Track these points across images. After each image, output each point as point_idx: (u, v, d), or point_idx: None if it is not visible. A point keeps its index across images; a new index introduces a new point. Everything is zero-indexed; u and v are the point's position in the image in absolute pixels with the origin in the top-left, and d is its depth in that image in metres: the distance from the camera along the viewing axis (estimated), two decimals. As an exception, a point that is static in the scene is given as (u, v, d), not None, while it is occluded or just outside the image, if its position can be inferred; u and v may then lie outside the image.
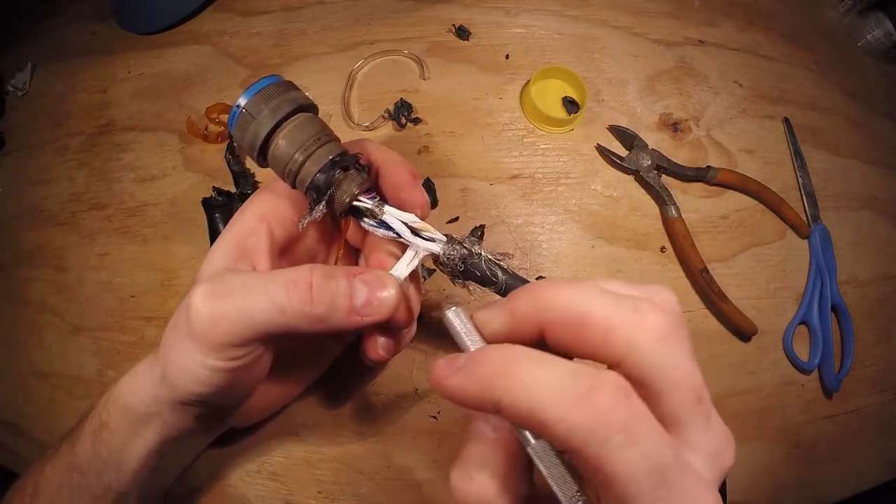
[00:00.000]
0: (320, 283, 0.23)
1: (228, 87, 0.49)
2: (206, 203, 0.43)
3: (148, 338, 0.42)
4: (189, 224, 0.44)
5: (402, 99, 0.46)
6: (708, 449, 0.17)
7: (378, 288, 0.24)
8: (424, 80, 0.48)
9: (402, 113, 0.46)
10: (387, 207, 0.26)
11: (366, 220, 0.26)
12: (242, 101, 0.24)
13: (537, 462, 0.17)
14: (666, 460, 0.15)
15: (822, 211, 0.46)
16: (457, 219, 0.43)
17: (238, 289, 0.23)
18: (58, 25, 0.57)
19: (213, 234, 0.43)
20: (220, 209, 0.43)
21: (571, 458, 0.17)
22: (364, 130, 0.46)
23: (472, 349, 0.19)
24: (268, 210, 0.27)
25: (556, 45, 0.50)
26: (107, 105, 0.51)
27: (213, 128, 0.47)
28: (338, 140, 0.26)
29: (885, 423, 0.43)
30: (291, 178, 0.25)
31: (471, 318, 0.20)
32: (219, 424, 0.33)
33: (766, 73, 0.52)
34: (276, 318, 0.23)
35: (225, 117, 0.47)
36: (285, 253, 0.29)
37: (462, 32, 0.49)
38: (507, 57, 0.49)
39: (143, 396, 0.27)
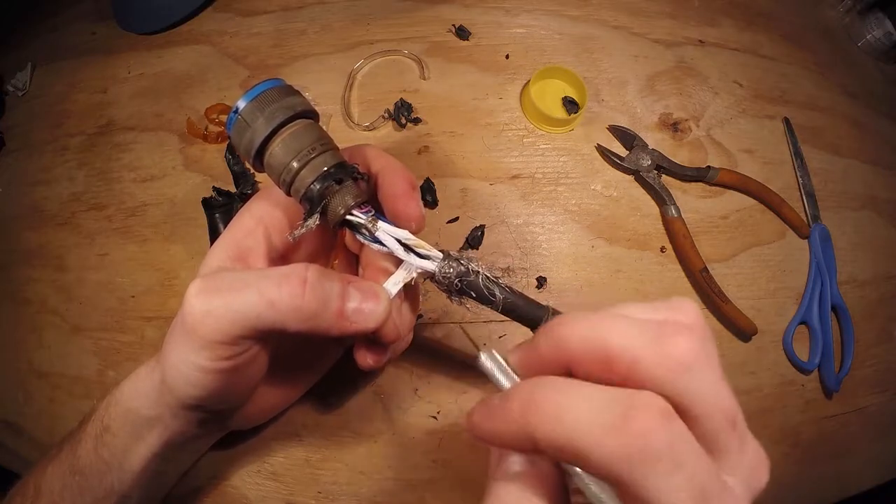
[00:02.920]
0: (314, 280, 0.23)
1: (228, 87, 0.49)
2: (206, 203, 0.43)
3: (148, 338, 0.42)
4: (189, 224, 0.44)
5: (402, 99, 0.46)
6: (743, 470, 0.16)
7: (370, 298, 0.24)
8: (424, 80, 0.48)
9: (402, 113, 0.46)
10: (381, 223, 0.25)
11: (360, 233, 0.25)
12: (240, 106, 0.24)
13: (587, 489, 0.16)
14: (710, 485, 0.14)
15: (822, 211, 0.46)
16: (457, 219, 0.43)
17: (229, 284, 0.23)
18: (58, 25, 0.57)
19: (213, 234, 0.43)
20: (220, 209, 0.43)
21: (613, 487, 0.16)
22: (364, 130, 0.46)
23: (509, 387, 0.19)
24: (265, 214, 0.27)
25: (556, 45, 0.50)
26: (107, 105, 0.51)
27: (213, 128, 0.47)
28: (336, 148, 0.25)
29: (885, 423, 0.43)
30: (286, 186, 0.24)
31: (504, 357, 0.19)
32: (220, 427, 0.33)
33: (766, 73, 0.52)
34: (264, 312, 0.22)
35: (225, 117, 0.47)
36: (283, 259, 0.29)
37: (462, 32, 0.49)
38: (507, 57, 0.49)
39: (144, 400, 0.27)
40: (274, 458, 0.37)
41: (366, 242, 0.26)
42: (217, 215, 0.43)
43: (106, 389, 0.41)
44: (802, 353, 0.42)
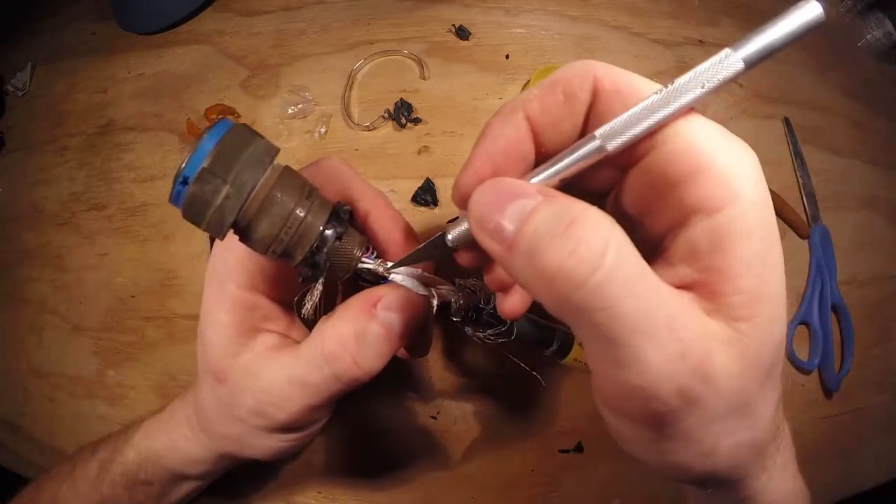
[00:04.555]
0: (357, 350, 0.22)
1: (228, 88, 0.49)
2: (206, 203, 0.43)
3: (148, 338, 0.42)
4: (189, 224, 0.44)
5: (402, 99, 0.46)
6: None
7: (407, 309, 0.23)
8: (424, 80, 0.48)
9: (402, 113, 0.46)
10: (391, 265, 0.23)
11: (366, 280, 0.23)
12: (189, 176, 0.17)
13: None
14: None
15: (822, 211, 0.46)
16: (457, 219, 0.43)
17: (289, 393, 0.23)
18: (58, 25, 0.57)
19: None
20: (220, 209, 0.43)
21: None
22: (364, 130, 0.46)
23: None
24: (254, 282, 0.24)
25: (556, 45, 0.50)
26: (107, 105, 0.51)
27: (213, 128, 0.47)
28: (318, 191, 0.21)
29: (885, 423, 0.43)
30: (275, 256, 0.20)
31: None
32: None
33: (766, 73, 0.52)
34: (336, 393, 0.23)
35: (225, 118, 0.47)
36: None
37: (462, 32, 0.49)
38: (507, 57, 0.49)
39: (196, 466, 0.28)
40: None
41: (369, 287, 0.24)
42: (217, 215, 0.43)
43: (107, 389, 0.41)
44: (802, 353, 0.42)
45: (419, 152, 0.45)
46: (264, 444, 0.25)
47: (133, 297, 0.43)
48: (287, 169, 0.21)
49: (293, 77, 0.49)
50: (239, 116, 0.48)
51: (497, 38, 0.50)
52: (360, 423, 0.38)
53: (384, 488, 0.37)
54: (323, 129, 0.46)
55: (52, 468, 0.31)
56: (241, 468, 0.37)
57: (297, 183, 0.20)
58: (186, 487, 0.30)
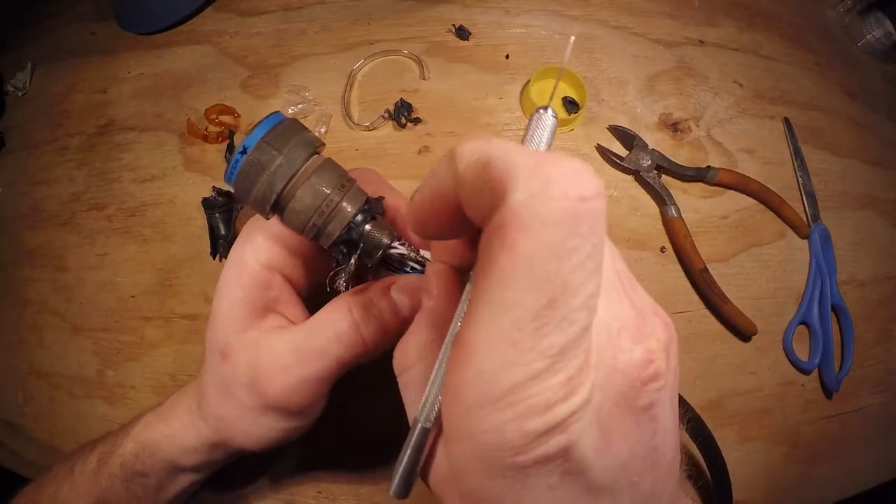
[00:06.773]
0: (364, 319, 0.23)
1: (228, 88, 0.49)
2: (206, 203, 0.43)
3: (148, 338, 0.42)
4: (189, 224, 0.44)
5: (402, 99, 0.46)
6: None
7: (419, 292, 0.23)
8: (424, 80, 0.48)
9: (402, 113, 0.46)
10: (423, 252, 0.24)
11: (394, 267, 0.24)
12: (248, 145, 0.20)
13: None
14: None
15: (822, 211, 0.46)
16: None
17: (299, 358, 0.23)
18: (58, 25, 0.57)
19: (213, 234, 0.43)
20: (220, 209, 0.43)
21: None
22: (364, 130, 0.46)
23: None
24: (276, 258, 0.25)
25: (556, 45, 0.50)
26: (107, 105, 0.51)
27: (213, 128, 0.47)
28: (354, 181, 0.23)
29: (885, 423, 0.43)
30: (312, 232, 0.22)
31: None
32: None
33: (766, 73, 0.52)
34: (340, 368, 0.24)
35: (225, 118, 0.47)
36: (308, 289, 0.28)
37: (462, 32, 0.49)
38: (507, 57, 0.49)
39: (194, 455, 0.28)
40: (273, 458, 0.37)
41: (396, 274, 0.24)
42: (217, 215, 0.43)
43: (107, 389, 0.41)
44: (802, 353, 0.42)
45: (419, 152, 0.45)
46: (255, 428, 0.25)
47: (133, 297, 0.43)
48: (329, 159, 0.23)
49: (293, 77, 0.49)
50: (239, 116, 0.48)
51: (497, 38, 0.50)
52: (360, 423, 0.38)
53: (384, 488, 0.36)
54: (323, 129, 0.46)
55: (52, 467, 0.31)
56: (241, 467, 0.37)
57: (336, 171, 0.23)
58: (183, 481, 0.30)
